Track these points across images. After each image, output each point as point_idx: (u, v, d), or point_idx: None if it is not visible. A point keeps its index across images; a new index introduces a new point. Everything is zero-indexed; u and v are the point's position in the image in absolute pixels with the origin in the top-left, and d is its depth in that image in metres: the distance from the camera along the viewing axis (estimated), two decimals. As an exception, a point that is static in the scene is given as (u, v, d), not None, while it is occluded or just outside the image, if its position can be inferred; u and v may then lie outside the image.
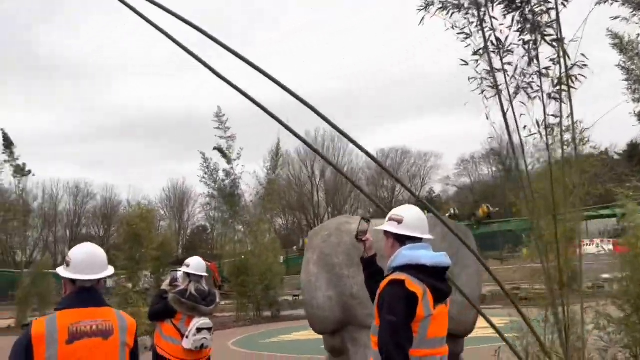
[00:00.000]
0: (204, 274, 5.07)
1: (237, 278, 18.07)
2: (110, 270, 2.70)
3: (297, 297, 28.62)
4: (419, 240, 2.57)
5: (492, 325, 4.16)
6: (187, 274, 4.93)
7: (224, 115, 22.49)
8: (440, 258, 2.51)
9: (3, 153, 22.16)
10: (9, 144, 22.00)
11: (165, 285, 5.08)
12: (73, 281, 2.54)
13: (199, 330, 4.74)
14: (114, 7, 75.56)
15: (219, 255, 29.11)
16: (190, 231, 62.78)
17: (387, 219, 2.68)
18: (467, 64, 5.01)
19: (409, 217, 2.59)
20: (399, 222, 2.56)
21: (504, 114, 4.74)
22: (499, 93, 4.76)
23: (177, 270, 5.28)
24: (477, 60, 4.89)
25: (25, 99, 74.10)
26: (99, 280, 2.59)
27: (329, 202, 63.11)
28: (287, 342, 13.36)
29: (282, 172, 29.70)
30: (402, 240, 2.54)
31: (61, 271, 2.59)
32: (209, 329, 4.83)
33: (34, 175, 23.02)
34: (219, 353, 11.32)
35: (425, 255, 2.48)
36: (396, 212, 2.66)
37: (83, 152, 77.35)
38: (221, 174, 23.30)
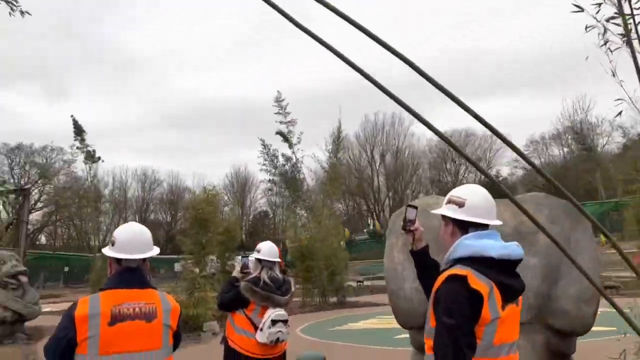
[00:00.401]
0: (277, 259, 4.60)
1: (302, 263, 17.79)
2: (156, 250, 2.62)
3: (360, 283, 28.27)
4: (485, 227, 2.15)
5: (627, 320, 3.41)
6: (259, 260, 4.48)
7: (283, 99, 22.27)
8: (511, 248, 2.08)
9: (75, 140, 22.95)
10: (79, 131, 22.73)
11: (236, 272, 4.64)
12: (118, 261, 2.51)
13: (273, 322, 4.27)
14: (176, -1, 77.53)
15: (281, 241, 29.18)
16: (252, 217, 63.80)
17: (445, 201, 2.26)
18: (582, 10, 4.14)
19: (473, 199, 2.17)
20: (460, 205, 2.17)
21: (638, 69, 3.83)
22: (630, 43, 3.86)
23: (246, 256, 4.84)
24: (599, 4, 4.01)
25: (94, 91, 78.03)
26: (144, 260, 2.55)
27: (389, 186, 62.01)
28: (356, 331, 12.87)
29: (342, 157, 29.19)
30: (464, 227, 2.15)
31: (106, 251, 2.55)
32: (285, 322, 4.35)
33: (103, 161, 23.74)
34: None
35: (493, 246, 2.05)
36: (456, 193, 2.25)
37: (149, 141, 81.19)
38: (281, 159, 23.19)
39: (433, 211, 2.37)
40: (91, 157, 23.00)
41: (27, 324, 12.97)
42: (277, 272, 4.53)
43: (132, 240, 2.53)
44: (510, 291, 2.05)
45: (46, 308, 17.45)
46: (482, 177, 42.82)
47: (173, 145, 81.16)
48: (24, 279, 12.63)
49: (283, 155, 23.48)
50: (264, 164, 23.28)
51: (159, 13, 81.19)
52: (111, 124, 75.94)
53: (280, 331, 4.29)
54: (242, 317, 4.37)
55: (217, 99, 76.85)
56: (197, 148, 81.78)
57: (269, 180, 23.48)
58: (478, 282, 1.97)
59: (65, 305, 21.97)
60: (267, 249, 4.50)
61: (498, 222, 2.20)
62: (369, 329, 12.95)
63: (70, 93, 76.90)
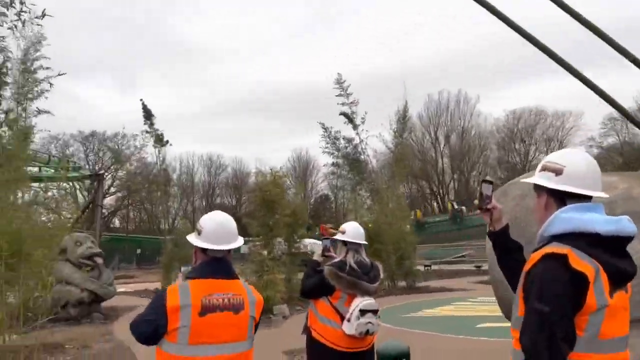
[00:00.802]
0: (364, 242, 4.07)
1: (370, 247, 17.22)
2: (240, 240, 2.63)
3: (428, 267, 27.44)
4: (587, 199, 1.79)
5: None
6: (344, 242, 3.97)
7: (344, 81, 21.67)
8: (622, 224, 1.72)
9: (144, 124, 23.48)
10: (148, 115, 23.21)
11: (317, 256, 4.15)
12: (204, 250, 2.52)
13: (362, 312, 3.76)
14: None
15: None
16: (313, 200, 64.04)
17: (538, 168, 1.92)
18: None
19: (574, 166, 1.82)
20: (558, 172, 1.82)
21: None
22: None
23: (327, 238, 4.34)
24: None
25: (161, 82, 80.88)
26: (229, 251, 2.56)
27: (454, 168, 60.07)
28: (433, 318, 12.16)
29: (406, 138, 28.26)
30: (562, 198, 1.80)
31: (193, 239, 2.56)
32: (375, 312, 3.84)
33: (171, 145, 24.16)
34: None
35: (599, 220, 1.71)
36: (553, 158, 1.90)
37: (213, 128, 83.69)
38: (343, 142, 22.69)
39: (525, 180, 2.06)
40: (160, 141, 23.45)
41: (103, 304, 13.30)
42: (364, 256, 4.00)
43: (218, 230, 2.54)
44: (620, 274, 1.69)
45: (120, 288, 18.03)
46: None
47: (236, 132, 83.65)
48: (99, 260, 12.92)
49: (345, 137, 22.99)
50: (326, 147, 22.88)
51: (219, 2, 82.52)
52: (177, 112, 78.55)
53: (370, 322, 3.78)
54: (326, 305, 3.89)
55: (279, 84, 78.05)
56: (260, 133, 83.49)
57: (332, 163, 23.01)
58: (581, 262, 1.63)
59: (138, 287, 22.84)
60: (352, 230, 3.98)
61: (603, 195, 1.81)
62: (447, 316, 12.20)
63: (139, 84, 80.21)
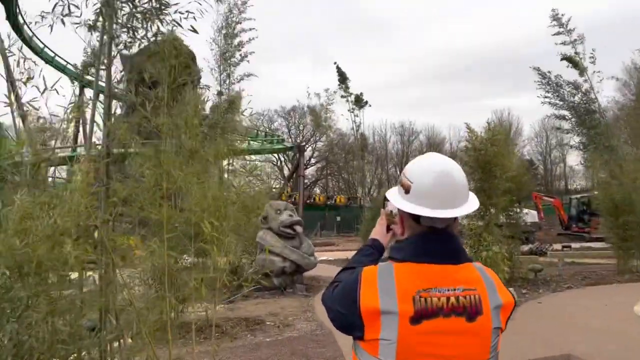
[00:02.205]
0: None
1: (617, 219, 13.56)
2: (473, 201, 1.59)
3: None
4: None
5: None
6: None
7: (562, 15, 17.65)
8: None
9: (339, 88, 22.73)
10: (343, 78, 22.38)
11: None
12: (416, 218, 1.56)
13: None
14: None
15: (558, 191, 24.54)
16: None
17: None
18: None
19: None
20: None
21: None
22: None
23: None
24: None
25: (352, 58, 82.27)
26: (454, 219, 1.57)
27: None
28: None
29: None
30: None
31: (395, 198, 1.62)
32: None
33: (370, 106, 22.98)
34: (621, 320, 7.98)
35: None
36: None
37: (404, 97, 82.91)
38: (567, 89, 18.72)
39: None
40: (359, 101, 22.44)
41: (305, 274, 12.66)
42: None
43: (438, 186, 1.52)
44: None
45: (322, 257, 17.67)
46: None
47: (426, 99, 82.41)
48: (299, 229, 12.20)
49: (570, 83, 18.98)
50: (546, 97, 19.18)
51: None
52: (367, 84, 79.39)
53: None
54: None
55: (472, 48, 74.56)
56: (451, 99, 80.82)
57: (557, 116, 19.20)
58: None
59: (339, 255, 22.56)
60: None
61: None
62: None
63: (330, 60, 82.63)
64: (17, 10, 30.23)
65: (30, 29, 26.71)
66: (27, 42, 30.19)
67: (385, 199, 1.96)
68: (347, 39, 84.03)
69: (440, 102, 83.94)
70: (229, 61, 12.34)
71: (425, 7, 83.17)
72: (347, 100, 22.92)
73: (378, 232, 1.91)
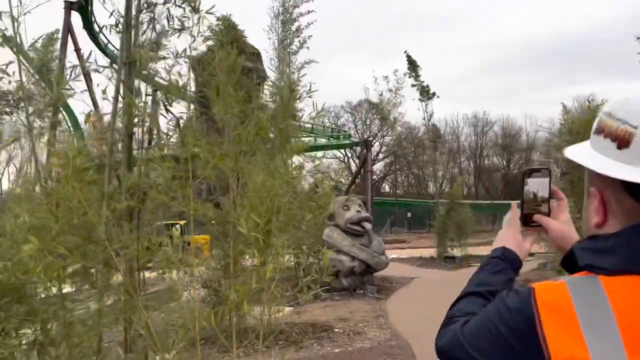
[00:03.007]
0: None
1: None
2: None
3: None
4: None
5: None
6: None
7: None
8: None
9: (409, 77, 21.60)
10: (413, 66, 21.21)
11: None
12: (634, 191, 0.79)
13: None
14: None
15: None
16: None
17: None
18: None
19: None
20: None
21: None
22: None
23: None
24: None
25: (419, 51, 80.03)
26: None
27: None
28: None
29: None
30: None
31: (593, 159, 0.85)
32: None
33: (438, 97, 21.66)
34: None
35: None
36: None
37: (474, 87, 79.75)
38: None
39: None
40: (426, 93, 21.21)
41: (376, 274, 11.80)
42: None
43: None
44: None
45: (392, 255, 16.67)
46: None
47: (499, 89, 78.85)
48: (368, 225, 11.35)
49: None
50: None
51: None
52: (439, 76, 77.44)
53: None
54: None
55: (536, 36, 70.43)
56: (526, 89, 77.01)
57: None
58: None
59: (411, 252, 21.41)
60: None
61: None
62: None
63: (394, 54, 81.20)
64: (93, 19, 31.50)
65: (105, 36, 27.64)
66: (103, 49, 31.39)
67: (528, 175, 1.10)
68: (415, 32, 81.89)
69: (515, 92, 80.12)
70: (288, 49, 11.69)
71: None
72: (417, 89, 21.67)
73: (509, 238, 1.09)
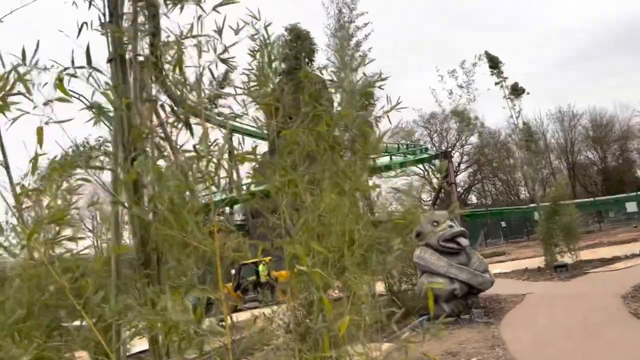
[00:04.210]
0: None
1: None
2: None
3: None
4: None
5: None
6: None
7: None
8: None
9: (491, 75, 19.99)
10: (495, 64, 19.63)
11: None
12: None
13: None
14: None
15: None
16: None
17: None
18: None
19: None
20: None
21: None
22: None
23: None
24: None
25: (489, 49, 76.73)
26: None
27: None
28: None
29: None
30: None
31: None
32: None
33: (528, 93, 19.79)
34: None
35: None
36: None
37: (553, 84, 75.04)
38: None
39: None
40: (515, 90, 19.45)
41: (481, 295, 10.39)
42: None
43: None
44: None
45: (495, 270, 14.95)
46: None
47: (578, 80, 73.60)
48: (464, 241, 10.05)
49: None
50: None
51: None
52: (512, 75, 74.34)
53: None
54: None
55: (615, 20, 65.09)
56: (605, 76, 71.27)
57: None
58: None
59: (515, 265, 19.26)
60: None
61: None
62: None
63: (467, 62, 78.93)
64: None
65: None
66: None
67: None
68: (480, 39, 79.19)
69: (595, 81, 74.20)
70: (349, 67, 10.92)
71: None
72: (502, 86, 19.93)
73: None
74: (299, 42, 10.84)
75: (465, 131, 47.06)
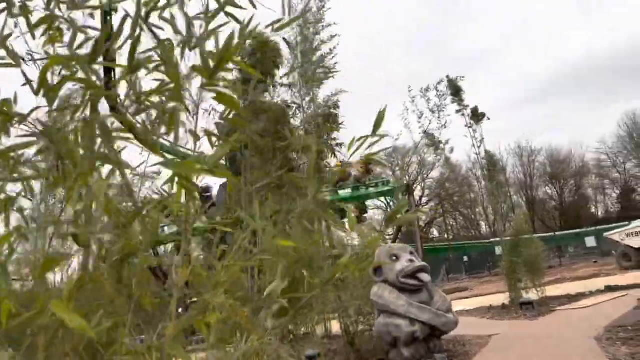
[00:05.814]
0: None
1: None
2: None
3: None
4: None
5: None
6: None
7: None
8: None
9: (452, 102, 19.63)
10: (456, 91, 19.28)
11: None
12: None
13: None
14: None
15: None
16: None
17: None
18: None
19: None
20: None
21: None
22: None
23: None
24: None
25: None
26: None
27: None
28: None
29: None
30: None
31: None
32: None
33: (489, 119, 19.44)
34: None
35: None
36: None
37: (511, 119, 77.38)
38: None
39: None
40: (476, 116, 19.04)
41: (444, 337, 9.36)
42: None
43: None
44: None
45: (457, 307, 13.98)
46: None
47: (537, 118, 76.66)
48: (425, 277, 9.06)
49: None
50: None
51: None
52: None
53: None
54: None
55: (585, 58, 68.69)
56: (564, 114, 74.72)
57: None
58: None
59: (477, 302, 18.46)
60: None
61: None
62: None
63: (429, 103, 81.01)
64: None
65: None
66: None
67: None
68: (439, 72, 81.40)
69: (554, 118, 77.31)
70: (310, 83, 10.04)
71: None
72: (463, 114, 19.50)
73: None
74: (264, 52, 9.95)
75: (434, 155, 47.10)
